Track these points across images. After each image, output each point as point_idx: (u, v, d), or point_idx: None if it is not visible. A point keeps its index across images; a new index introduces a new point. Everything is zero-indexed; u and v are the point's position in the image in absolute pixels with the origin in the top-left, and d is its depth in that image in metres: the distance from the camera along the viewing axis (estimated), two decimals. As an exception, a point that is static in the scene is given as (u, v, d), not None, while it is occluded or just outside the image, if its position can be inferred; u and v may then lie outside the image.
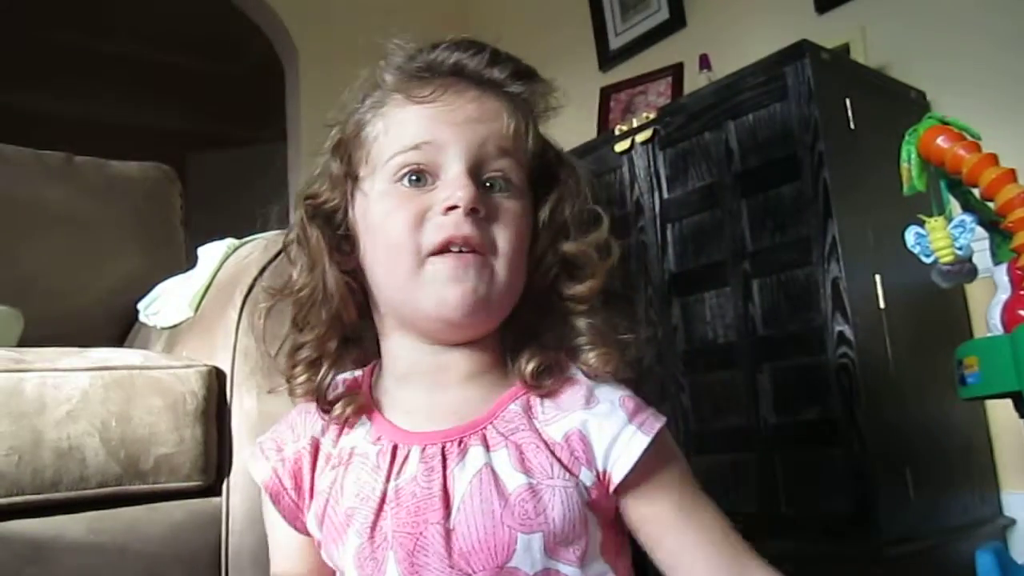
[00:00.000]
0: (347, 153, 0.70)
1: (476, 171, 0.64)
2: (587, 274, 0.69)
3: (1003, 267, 1.11)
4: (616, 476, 0.63)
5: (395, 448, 0.65)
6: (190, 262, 1.32)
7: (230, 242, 1.21)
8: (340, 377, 0.71)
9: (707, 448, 1.71)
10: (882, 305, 1.58)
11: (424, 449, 0.64)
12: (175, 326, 1.22)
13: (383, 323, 0.70)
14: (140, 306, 1.38)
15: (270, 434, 0.72)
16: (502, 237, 0.64)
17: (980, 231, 1.13)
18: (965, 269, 1.14)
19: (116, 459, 0.91)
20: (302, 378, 0.69)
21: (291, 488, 0.68)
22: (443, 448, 0.64)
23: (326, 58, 2.97)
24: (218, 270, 1.16)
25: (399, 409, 0.68)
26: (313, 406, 0.69)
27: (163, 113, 4.84)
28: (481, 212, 0.63)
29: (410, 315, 0.66)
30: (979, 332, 1.75)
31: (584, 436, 0.64)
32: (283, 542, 0.71)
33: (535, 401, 0.67)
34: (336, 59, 2.98)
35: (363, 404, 0.68)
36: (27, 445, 0.87)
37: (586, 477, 0.63)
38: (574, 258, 0.69)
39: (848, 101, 1.67)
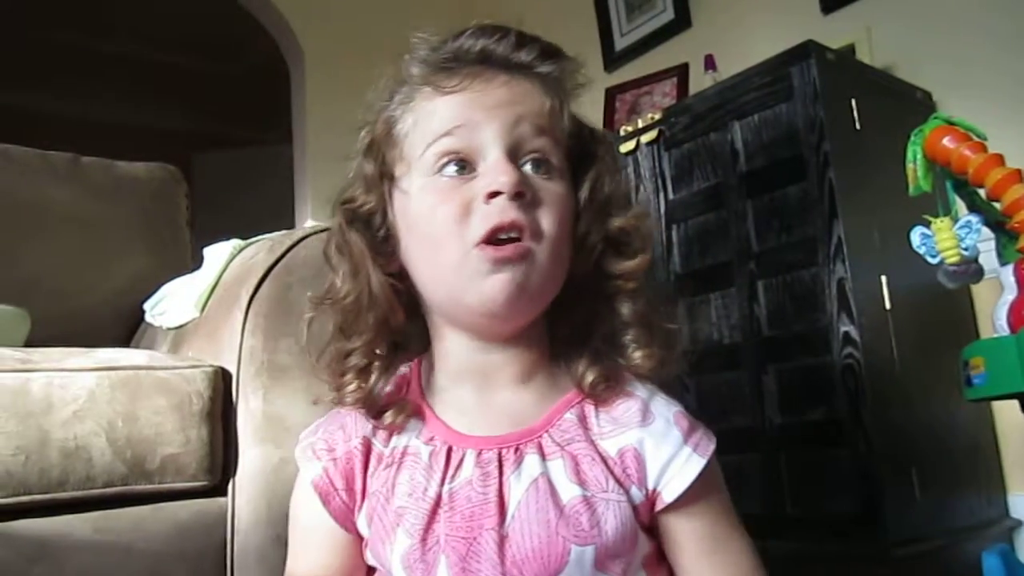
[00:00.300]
0: (380, 153, 0.68)
1: (514, 153, 0.63)
2: (635, 248, 0.68)
3: (1009, 267, 1.11)
4: (667, 496, 0.63)
5: (449, 450, 0.64)
6: (196, 262, 1.32)
7: (236, 242, 1.21)
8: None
9: (712, 449, 1.70)
10: (888, 306, 1.58)
11: (480, 453, 0.64)
12: (181, 326, 1.22)
13: (432, 321, 0.69)
14: (146, 306, 1.38)
15: (321, 433, 0.70)
16: (546, 221, 0.63)
17: (986, 231, 1.13)
18: (971, 270, 1.14)
19: (122, 459, 0.92)
20: (352, 386, 0.67)
21: (342, 489, 0.67)
22: (499, 454, 0.63)
23: (331, 58, 2.98)
24: (224, 270, 1.16)
25: (452, 409, 0.67)
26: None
27: (168, 114, 4.86)
28: (527, 196, 0.62)
29: (454, 309, 0.65)
30: (985, 333, 1.74)
31: (639, 455, 0.64)
32: (316, 541, 0.69)
33: (590, 411, 0.66)
34: (341, 59, 2.99)
35: (412, 410, 0.67)
36: (34, 445, 0.87)
37: (635, 495, 0.63)
38: (620, 234, 0.68)
39: (854, 101, 1.67)
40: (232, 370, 1.02)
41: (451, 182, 0.63)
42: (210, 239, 1.27)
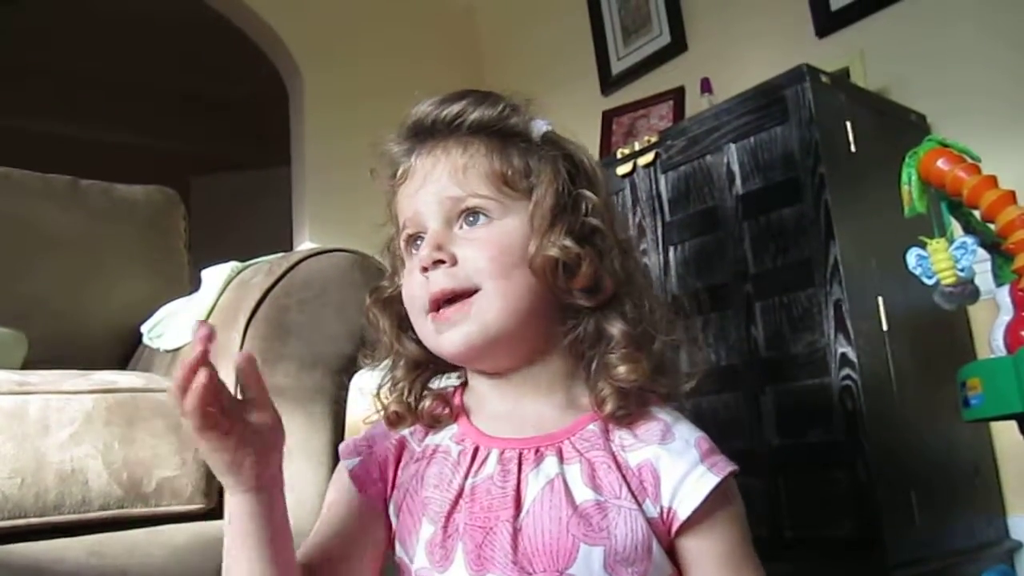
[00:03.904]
0: (393, 244, 0.78)
1: (449, 217, 0.70)
2: (576, 265, 0.69)
3: (1005, 288, 1.12)
4: (681, 513, 0.65)
5: (476, 449, 0.69)
6: (194, 285, 1.32)
7: (233, 265, 1.21)
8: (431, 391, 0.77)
9: (711, 471, 1.70)
10: (885, 327, 1.58)
11: (503, 452, 0.68)
12: (179, 349, 1.22)
13: None
14: (143, 329, 1.38)
15: (363, 434, 0.77)
16: (477, 266, 0.68)
17: (982, 253, 1.14)
18: (967, 291, 1.15)
19: (118, 482, 0.91)
20: (394, 408, 0.74)
21: (378, 478, 0.72)
22: (520, 453, 0.68)
23: (330, 81, 3.00)
24: (222, 293, 1.17)
25: (484, 416, 0.73)
26: None
27: (167, 137, 4.87)
28: (447, 261, 0.68)
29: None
30: (982, 354, 1.74)
31: (655, 470, 0.67)
32: (330, 518, 0.72)
33: (612, 425, 0.70)
34: (340, 82, 3.00)
35: (450, 403, 0.74)
36: (30, 468, 0.87)
37: (649, 509, 0.65)
38: (563, 253, 0.69)
39: (848, 124, 1.68)
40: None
41: (411, 260, 0.72)
42: (208, 262, 1.28)
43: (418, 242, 0.71)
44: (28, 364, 1.18)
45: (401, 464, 0.73)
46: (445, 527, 0.66)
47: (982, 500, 1.72)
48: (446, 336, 0.68)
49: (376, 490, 0.72)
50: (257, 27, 3.03)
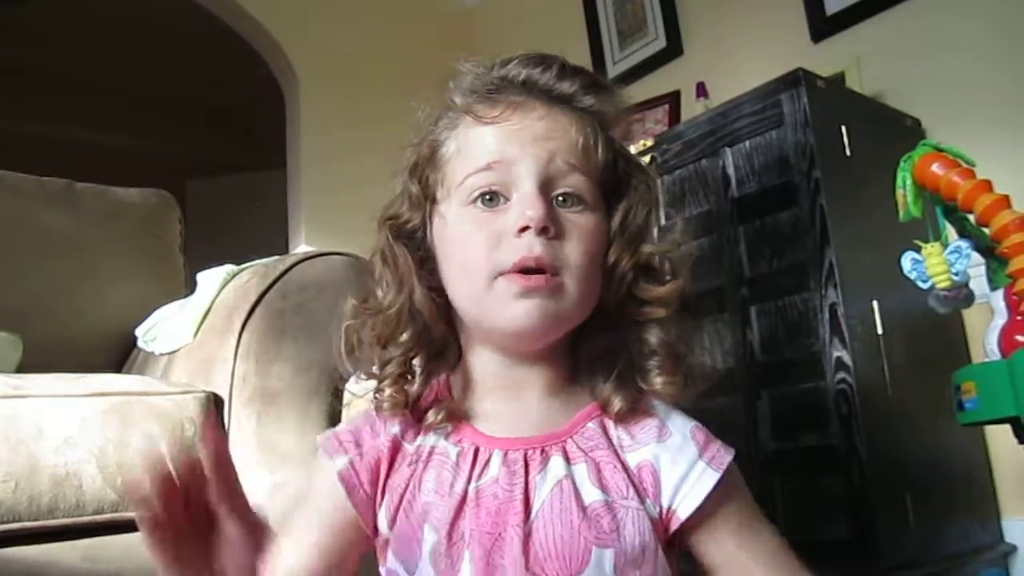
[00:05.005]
0: (424, 174, 0.71)
1: (547, 187, 0.65)
2: (668, 275, 0.70)
3: (999, 292, 1.12)
4: (682, 513, 0.65)
5: (476, 451, 0.67)
6: (189, 288, 1.32)
7: (229, 268, 1.21)
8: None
9: (706, 474, 1.69)
10: (880, 331, 1.58)
11: (506, 454, 0.66)
12: (174, 352, 1.22)
13: (466, 336, 0.72)
14: (138, 332, 1.38)
15: (347, 426, 0.72)
16: (572, 253, 0.65)
17: (976, 257, 1.14)
18: (962, 295, 1.15)
19: (112, 486, 0.91)
20: (389, 391, 0.68)
21: (367, 483, 0.68)
22: (525, 454, 0.66)
23: (326, 84, 3.00)
24: (217, 296, 1.17)
25: (481, 414, 0.69)
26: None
27: (163, 140, 4.86)
28: (551, 231, 0.64)
29: (487, 328, 0.68)
30: (977, 357, 1.74)
31: (655, 471, 0.66)
32: (311, 519, 0.69)
33: (609, 423, 0.69)
34: (336, 86, 3.00)
35: (452, 410, 0.69)
36: (24, 471, 0.87)
37: (650, 508, 0.65)
38: (651, 261, 0.70)
39: (844, 128, 1.68)
40: (224, 395, 1.02)
41: (484, 214, 0.66)
42: (204, 265, 1.28)
43: (488, 197, 0.66)
44: (23, 368, 1.18)
45: (394, 468, 0.68)
46: (450, 534, 0.63)
47: (977, 504, 1.73)
48: (523, 303, 0.63)
49: (363, 496, 0.67)
50: (253, 30, 3.03)
